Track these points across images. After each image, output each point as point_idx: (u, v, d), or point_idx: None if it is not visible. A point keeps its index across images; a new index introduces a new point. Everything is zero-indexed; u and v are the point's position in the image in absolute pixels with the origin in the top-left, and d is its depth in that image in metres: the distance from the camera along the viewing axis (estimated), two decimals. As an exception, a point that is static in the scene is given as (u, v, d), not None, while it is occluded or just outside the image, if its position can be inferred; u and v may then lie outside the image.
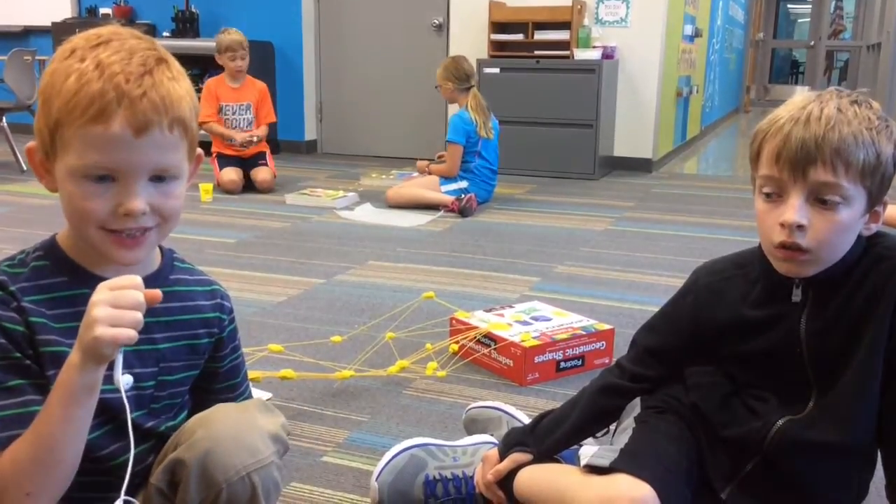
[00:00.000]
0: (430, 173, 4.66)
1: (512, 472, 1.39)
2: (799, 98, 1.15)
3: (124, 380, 0.93)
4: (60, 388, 0.91)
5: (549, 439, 1.39)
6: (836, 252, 1.14)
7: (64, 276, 1.01)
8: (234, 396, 1.20)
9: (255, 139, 4.93)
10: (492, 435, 1.61)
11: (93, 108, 0.90)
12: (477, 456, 1.51)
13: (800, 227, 1.10)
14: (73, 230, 1.01)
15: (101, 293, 0.89)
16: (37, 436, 0.92)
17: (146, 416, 1.08)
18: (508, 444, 1.41)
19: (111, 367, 0.92)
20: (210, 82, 5.05)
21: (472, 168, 4.54)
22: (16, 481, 0.93)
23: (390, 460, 1.50)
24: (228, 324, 1.17)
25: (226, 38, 4.90)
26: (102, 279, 1.00)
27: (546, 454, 1.39)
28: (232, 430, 1.00)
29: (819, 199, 1.10)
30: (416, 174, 4.93)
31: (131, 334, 0.88)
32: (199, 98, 4.91)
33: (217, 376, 1.17)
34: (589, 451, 1.30)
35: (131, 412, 1.04)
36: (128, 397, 1.02)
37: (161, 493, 1.02)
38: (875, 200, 1.13)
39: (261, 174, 4.92)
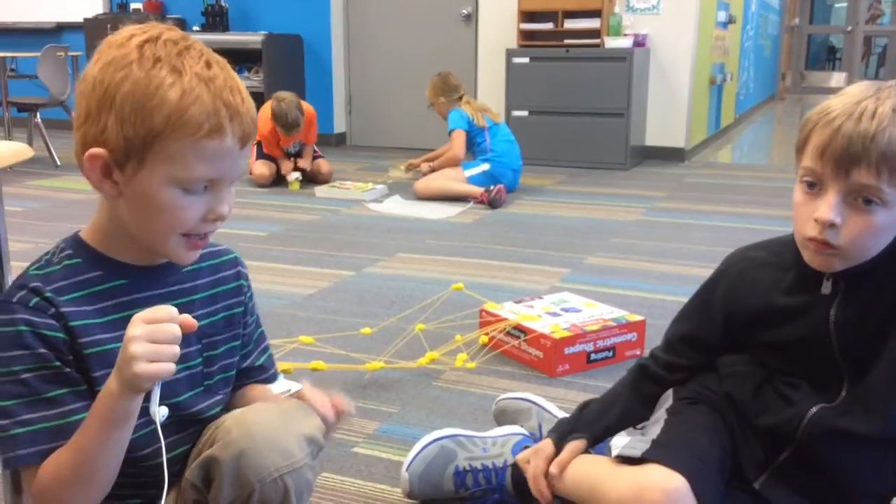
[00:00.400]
0: (434, 169, 4.69)
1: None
2: (856, 89, 1.11)
3: (160, 412, 0.94)
4: (98, 414, 0.92)
5: (599, 425, 1.37)
6: (868, 251, 1.12)
7: (98, 270, 1.01)
8: (265, 343, 1.24)
9: (292, 177, 4.89)
10: (522, 426, 1.61)
11: (209, 123, 0.92)
12: (507, 447, 1.50)
13: (832, 225, 1.08)
14: (145, 236, 0.99)
15: (138, 327, 0.88)
16: (76, 451, 0.94)
17: (203, 395, 1.10)
18: (562, 434, 1.38)
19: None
20: (268, 132, 4.83)
21: (488, 146, 4.57)
22: (55, 492, 0.95)
23: (420, 451, 1.50)
24: (248, 289, 1.19)
25: (296, 122, 4.74)
26: (136, 268, 1.02)
27: (599, 440, 1.38)
28: (268, 432, 1.01)
29: (857, 199, 1.07)
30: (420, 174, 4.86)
31: (171, 368, 0.89)
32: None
33: (248, 339, 1.20)
34: (620, 441, 1.28)
35: (183, 393, 1.07)
36: (181, 378, 1.05)
37: (195, 488, 1.04)
38: None
39: (324, 167, 5.02)
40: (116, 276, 1.02)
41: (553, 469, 1.34)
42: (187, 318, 0.91)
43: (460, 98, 4.65)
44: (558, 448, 1.35)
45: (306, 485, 1.03)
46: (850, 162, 1.05)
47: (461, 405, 1.94)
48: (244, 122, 0.96)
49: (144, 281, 1.04)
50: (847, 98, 1.09)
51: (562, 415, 1.62)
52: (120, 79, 0.91)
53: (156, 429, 0.94)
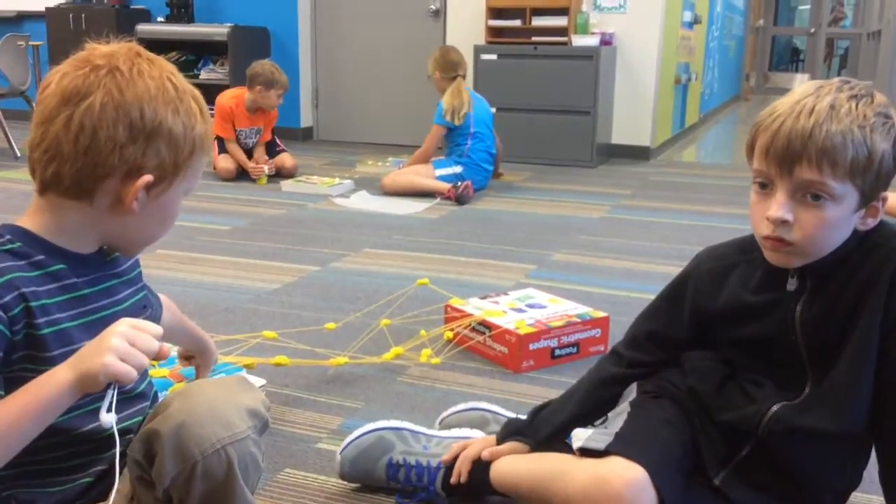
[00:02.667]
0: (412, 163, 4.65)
1: (486, 464, 1.39)
2: (801, 88, 1.14)
3: (110, 418, 0.94)
4: (24, 398, 0.90)
5: (545, 431, 1.38)
6: (824, 246, 1.14)
7: (40, 254, 1.01)
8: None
9: (267, 170, 4.84)
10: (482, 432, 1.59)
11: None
12: (448, 449, 1.49)
13: (784, 222, 1.10)
14: (145, 241, 1.09)
15: (123, 326, 0.93)
16: None
17: None
18: (507, 433, 1.39)
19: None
20: (226, 103, 4.80)
21: (466, 151, 4.51)
22: None
23: (357, 438, 1.51)
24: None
25: (281, 77, 4.76)
26: (73, 254, 1.04)
27: (543, 447, 1.38)
28: (207, 403, 1.02)
29: (805, 195, 1.09)
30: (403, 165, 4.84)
31: (134, 376, 0.91)
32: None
33: None
34: (583, 433, 1.29)
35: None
36: None
37: (138, 464, 1.03)
38: (870, 197, 1.11)
39: (288, 161, 4.96)
40: (56, 260, 1.02)
41: (484, 454, 1.38)
42: (164, 345, 0.96)
43: (454, 77, 4.51)
44: (498, 444, 1.39)
45: (251, 459, 1.04)
46: (791, 160, 1.08)
47: (426, 400, 1.93)
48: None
49: (81, 267, 1.05)
50: (791, 98, 1.13)
51: (512, 416, 1.61)
52: (171, 112, 1.01)
53: (96, 408, 0.94)
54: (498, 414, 1.63)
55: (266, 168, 4.81)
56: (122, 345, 0.90)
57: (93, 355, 0.90)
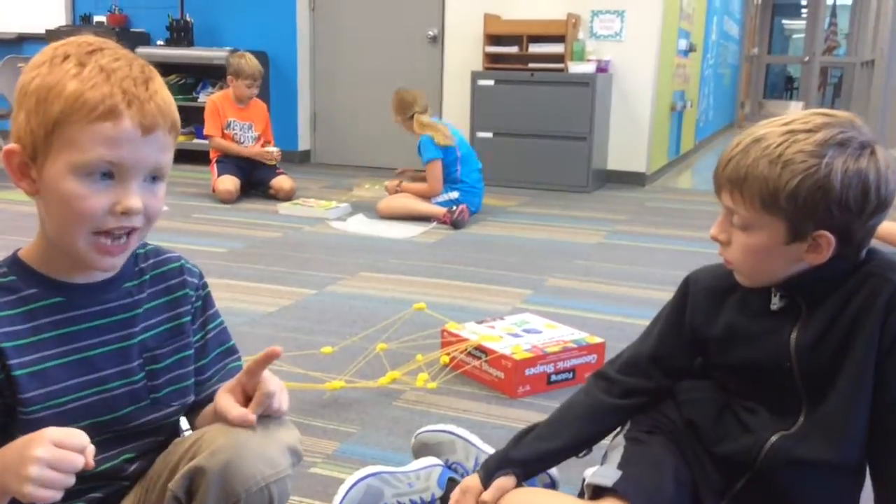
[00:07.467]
0: (400, 191, 4.62)
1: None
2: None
3: None
4: None
5: (532, 461, 1.32)
6: (759, 271, 1.17)
7: (33, 287, 1.00)
8: (232, 360, 1.20)
9: (273, 150, 5.02)
10: (447, 459, 1.58)
11: (102, 106, 0.92)
12: (431, 480, 1.47)
13: (717, 241, 1.18)
14: (58, 236, 0.98)
15: (45, 450, 0.86)
16: None
17: (149, 408, 1.08)
18: (489, 470, 1.32)
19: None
20: (215, 99, 5.06)
21: (458, 176, 4.53)
22: None
23: (347, 493, 1.44)
24: (198, 299, 1.17)
25: (247, 67, 4.89)
26: (74, 286, 1.02)
27: (532, 474, 1.35)
28: (254, 441, 1.01)
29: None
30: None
31: (57, 497, 0.87)
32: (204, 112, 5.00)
33: (206, 346, 1.17)
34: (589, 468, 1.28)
35: (124, 408, 1.06)
36: (121, 394, 1.05)
37: (177, 500, 1.02)
38: (798, 232, 1.10)
39: (286, 183, 4.99)
40: (52, 293, 1.00)
41: (484, 497, 1.28)
42: (90, 456, 0.88)
43: (412, 117, 4.51)
44: (486, 485, 1.30)
45: (286, 494, 1.04)
46: (716, 185, 1.17)
47: (421, 425, 1.92)
48: (145, 109, 0.95)
49: (82, 298, 1.03)
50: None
51: (484, 446, 1.60)
52: (32, 77, 0.95)
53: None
54: (469, 442, 1.60)
55: (273, 149, 5.01)
56: (41, 473, 0.85)
57: (13, 479, 0.87)
